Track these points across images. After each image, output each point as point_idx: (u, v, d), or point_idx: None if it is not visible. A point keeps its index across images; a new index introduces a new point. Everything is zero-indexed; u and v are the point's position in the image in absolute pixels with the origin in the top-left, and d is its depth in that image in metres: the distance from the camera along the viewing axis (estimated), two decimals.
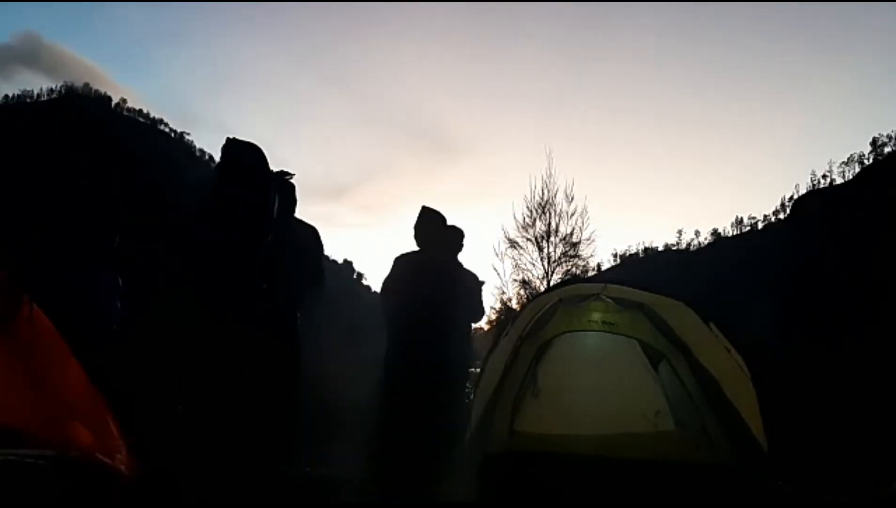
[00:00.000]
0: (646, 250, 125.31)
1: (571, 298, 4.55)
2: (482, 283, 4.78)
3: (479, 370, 4.89)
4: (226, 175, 3.52)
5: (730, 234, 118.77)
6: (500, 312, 14.56)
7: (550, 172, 14.36)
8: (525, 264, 14.22)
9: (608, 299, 4.55)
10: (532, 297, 9.47)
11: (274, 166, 3.81)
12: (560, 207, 14.20)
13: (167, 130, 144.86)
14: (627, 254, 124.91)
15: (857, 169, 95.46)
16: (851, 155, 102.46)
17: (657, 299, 4.38)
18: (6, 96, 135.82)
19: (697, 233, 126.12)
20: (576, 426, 4.37)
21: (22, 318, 2.44)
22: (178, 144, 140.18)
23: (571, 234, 14.07)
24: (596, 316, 4.60)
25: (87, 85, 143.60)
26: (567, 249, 14.07)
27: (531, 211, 14.30)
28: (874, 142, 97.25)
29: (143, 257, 3.57)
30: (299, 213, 4.42)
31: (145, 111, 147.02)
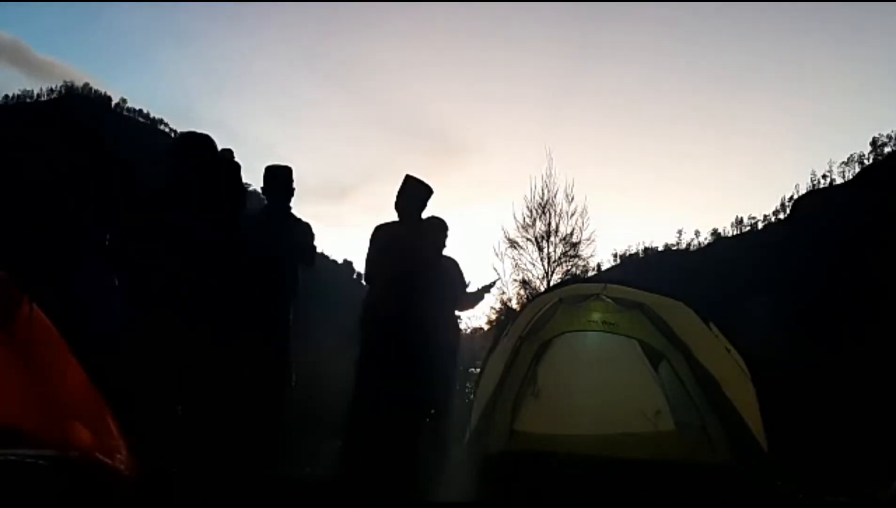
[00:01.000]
0: (646, 250, 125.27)
1: (571, 298, 4.55)
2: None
3: (479, 370, 4.89)
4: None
5: (730, 234, 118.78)
6: (500, 312, 14.56)
7: (550, 172, 14.36)
8: (525, 264, 14.22)
9: (608, 299, 4.55)
10: (532, 297, 9.47)
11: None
12: (560, 207, 14.19)
13: (167, 130, 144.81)
14: (627, 254, 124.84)
15: (857, 169, 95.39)
16: (851, 155, 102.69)
17: (657, 300, 4.38)
18: (6, 96, 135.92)
19: (697, 233, 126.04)
20: (576, 426, 4.37)
21: (22, 318, 2.44)
22: None
23: (571, 234, 14.07)
24: (596, 316, 4.60)
25: (86, 85, 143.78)
26: (567, 249, 14.07)
27: (531, 211, 14.30)
28: (874, 142, 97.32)
29: (140, 257, 3.56)
30: (301, 212, 4.46)
31: (145, 111, 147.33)
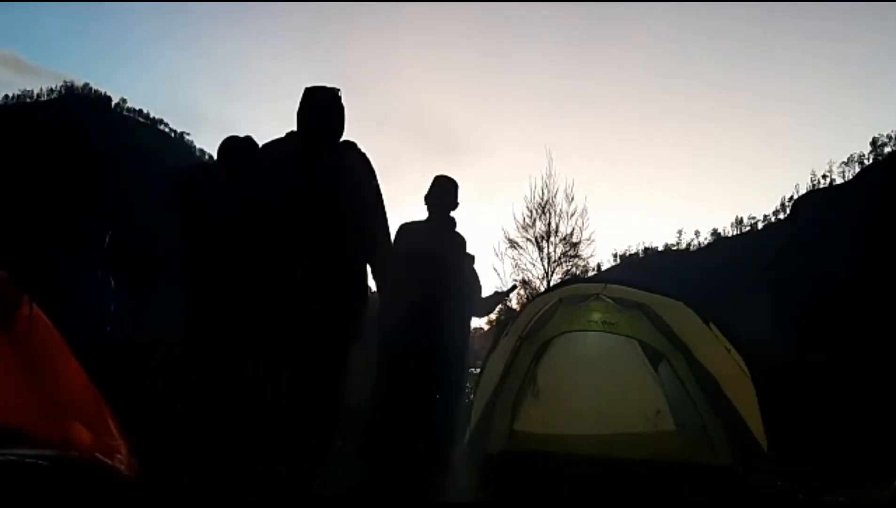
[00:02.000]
0: (646, 250, 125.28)
1: (571, 298, 4.55)
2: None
3: (479, 370, 4.89)
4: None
5: (730, 234, 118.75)
6: (500, 312, 14.56)
7: (551, 173, 14.38)
8: (525, 265, 14.23)
9: (608, 299, 4.55)
10: (532, 297, 9.47)
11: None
12: (560, 207, 14.22)
13: (167, 129, 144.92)
14: (627, 254, 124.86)
15: (857, 169, 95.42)
16: (851, 155, 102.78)
17: (657, 300, 4.38)
18: (6, 96, 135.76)
19: (697, 233, 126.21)
20: (576, 426, 4.36)
21: (22, 318, 2.44)
22: (179, 144, 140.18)
23: (571, 234, 14.09)
24: (596, 316, 4.60)
25: (86, 85, 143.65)
26: (567, 249, 14.08)
27: (531, 211, 14.32)
28: (874, 142, 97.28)
29: (140, 256, 3.55)
30: None
31: (145, 111, 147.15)
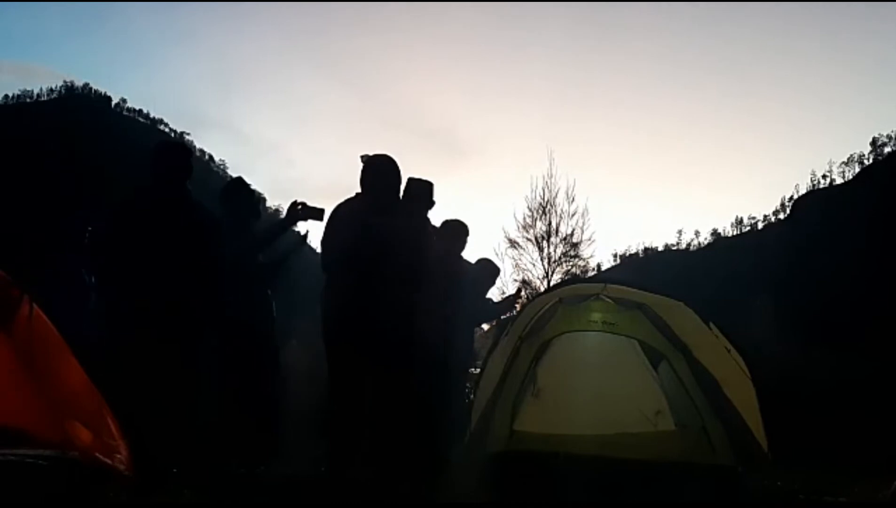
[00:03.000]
0: (646, 250, 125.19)
1: (571, 298, 4.55)
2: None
3: (479, 370, 4.89)
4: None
5: (730, 234, 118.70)
6: None
7: (551, 173, 14.40)
8: (525, 265, 14.26)
9: (608, 300, 4.55)
10: (532, 297, 9.48)
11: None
12: (561, 207, 14.24)
13: (167, 129, 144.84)
14: (627, 254, 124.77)
15: (857, 169, 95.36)
16: (851, 155, 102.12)
17: (657, 300, 4.38)
18: (6, 96, 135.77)
19: (697, 233, 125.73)
20: (576, 426, 4.36)
21: (22, 318, 2.44)
22: None
23: (572, 234, 14.11)
24: (596, 316, 4.60)
25: (86, 85, 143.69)
26: (567, 249, 14.10)
27: (532, 211, 14.35)
28: (874, 142, 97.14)
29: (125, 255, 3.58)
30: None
31: (145, 111, 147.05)
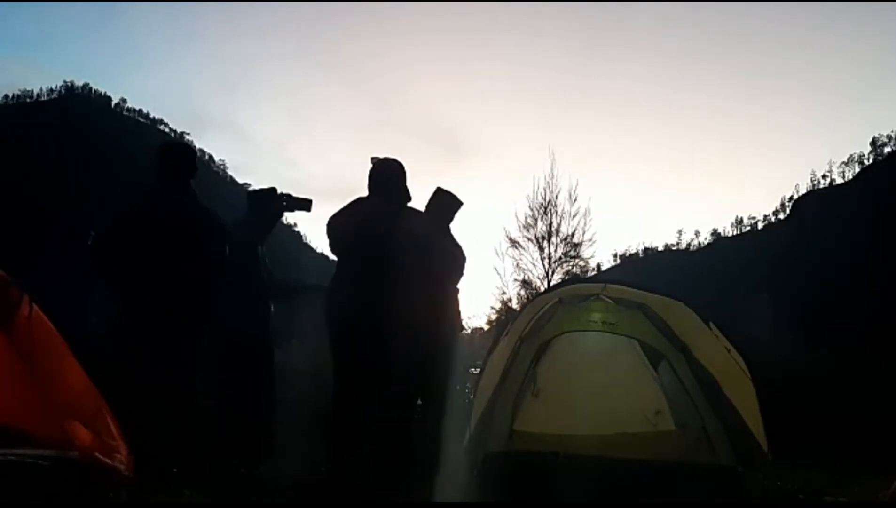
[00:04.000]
0: (646, 250, 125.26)
1: (571, 298, 4.55)
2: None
3: (479, 370, 4.89)
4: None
5: (730, 234, 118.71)
6: (500, 312, 14.59)
7: (553, 173, 14.40)
8: (526, 265, 14.28)
9: (608, 300, 4.55)
10: (532, 297, 9.47)
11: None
12: (562, 207, 14.25)
13: (167, 129, 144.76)
14: (627, 254, 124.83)
15: (857, 169, 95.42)
16: (851, 155, 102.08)
17: (657, 300, 4.38)
18: (6, 96, 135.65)
19: (697, 233, 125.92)
20: (576, 426, 4.36)
21: (22, 318, 2.44)
22: None
23: (573, 235, 14.12)
24: (596, 316, 4.60)
25: (86, 85, 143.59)
26: (568, 249, 14.11)
27: (533, 211, 14.35)
28: (874, 142, 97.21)
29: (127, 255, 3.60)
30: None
31: (145, 111, 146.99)
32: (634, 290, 4.45)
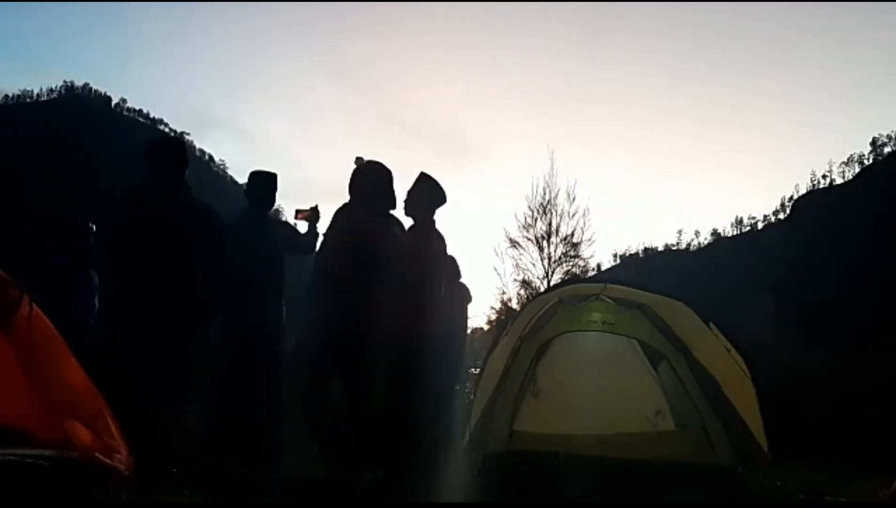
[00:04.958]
0: (646, 249, 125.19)
1: (571, 298, 4.55)
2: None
3: (479, 370, 4.89)
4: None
5: (730, 234, 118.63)
6: (500, 312, 14.60)
7: (552, 173, 14.40)
8: (525, 264, 14.28)
9: (608, 300, 4.55)
10: (532, 297, 9.48)
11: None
12: (561, 207, 14.25)
13: (167, 129, 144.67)
14: (627, 254, 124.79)
15: (857, 169, 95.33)
16: (851, 155, 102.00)
17: (657, 300, 4.38)
18: (6, 96, 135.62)
19: (697, 233, 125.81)
20: (576, 426, 4.37)
21: (22, 318, 2.44)
22: None
23: (573, 234, 14.11)
24: (596, 316, 4.60)
25: (86, 85, 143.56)
26: (568, 249, 14.10)
27: (532, 211, 14.35)
28: (874, 142, 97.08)
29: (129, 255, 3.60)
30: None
31: (145, 111, 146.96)
32: (634, 290, 4.45)
